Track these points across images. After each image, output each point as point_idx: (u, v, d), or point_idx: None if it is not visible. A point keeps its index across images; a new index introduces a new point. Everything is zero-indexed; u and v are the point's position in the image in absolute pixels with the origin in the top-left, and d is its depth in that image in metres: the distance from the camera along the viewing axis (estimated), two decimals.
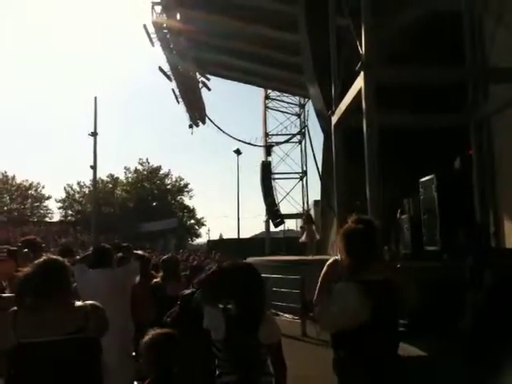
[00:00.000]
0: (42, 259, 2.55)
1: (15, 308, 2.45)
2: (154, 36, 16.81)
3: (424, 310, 7.32)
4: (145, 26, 16.72)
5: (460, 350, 5.29)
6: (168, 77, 19.07)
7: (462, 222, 6.43)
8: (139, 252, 4.98)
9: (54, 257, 2.69)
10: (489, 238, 8.64)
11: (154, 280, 5.28)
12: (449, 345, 5.88)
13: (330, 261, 3.12)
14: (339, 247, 3.09)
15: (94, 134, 29.78)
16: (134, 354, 4.53)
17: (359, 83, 7.22)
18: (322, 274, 3.08)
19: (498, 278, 5.13)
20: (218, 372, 2.87)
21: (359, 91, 7.22)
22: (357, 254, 2.90)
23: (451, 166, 8.66)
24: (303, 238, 15.01)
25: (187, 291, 4.51)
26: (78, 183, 50.69)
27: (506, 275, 5.22)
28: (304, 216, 22.28)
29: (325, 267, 3.12)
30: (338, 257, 3.08)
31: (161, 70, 18.96)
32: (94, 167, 30.50)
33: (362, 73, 7.07)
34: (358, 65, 7.15)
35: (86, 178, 48.13)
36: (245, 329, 2.81)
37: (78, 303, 2.56)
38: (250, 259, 13.65)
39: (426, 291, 6.87)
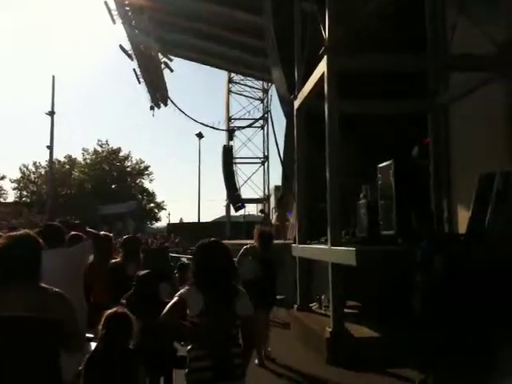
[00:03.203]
0: (10, 234, 2.52)
1: None
2: (115, 13, 16.35)
3: (377, 293, 7.52)
4: (106, 2, 16.24)
5: (409, 332, 5.45)
6: (129, 56, 18.61)
7: (416, 207, 6.55)
8: (93, 231, 4.85)
9: (26, 232, 2.63)
10: (442, 223, 8.89)
11: (114, 260, 5.20)
12: (399, 326, 6.05)
13: (245, 247, 6.83)
14: (255, 240, 6.73)
15: (51, 113, 28.94)
16: (87, 334, 4.45)
17: (322, 68, 7.22)
18: (240, 253, 6.72)
19: (447, 261, 5.27)
20: (190, 346, 2.95)
21: (322, 76, 7.23)
22: (262, 244, 6.56)
23: (410, 153, 8.83)
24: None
25: (142, 272, 4.48)
26: (34, 163, 49.32)
27: (455, 259, 5.37)
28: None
29: (242, 250, 6.75)
30: (248, 245, 6.86)
31: (122, 48, 18.48)
32: (50, 147, 29.67)
33: (324, 57, 7.08)
34: (321, 49, 7.15)
35: (42, 159, 46.88)
36: (222, 300, 2.91)
37: (44, 285, 2.54)
38: None
39: (380, 275, 7.04)
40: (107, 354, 3.06)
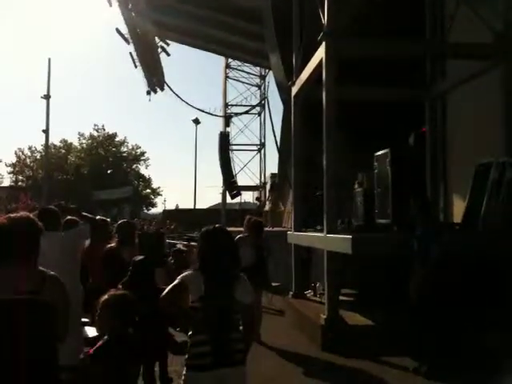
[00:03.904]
0: (9, 215, 2.47)
1: None
2: None
3: (373, 282, 7.55)
4: None
5: (406, 321, 5.48)
6: (126, 39, 18.41)
7: (413, 196, 6.56)
8: (89, 215, 4.84)
9: (26, 214, 2.58)
10: (438, 212, 8.91)
11: (109, 245, 5.19)
12: (395, 314, 6.09)
13: (240, 235, 6.85)
14: (246, 229, 7.25)
15: (47, 97, 28.66)
16: (83, 319, 4.46)
17: (320, 54, 7.16)
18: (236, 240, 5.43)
19: (444, 251, 5.29)
20: (190, 332, 2.93)
21: (320, 62, 7.17)
22: (254, 233, 7.05)
23: (406, 142, 8.83)
24: (267, 208, 15.10)
25: (139, 257, 4.48)
26: (30, 148, 49.05)
27: (452, 249, 5.38)
28: (267, 185, 22.31)
29: (236, 238, 6.19)
30: (242, 235, 7.04)
31: (118, 31, 18.29)
32: (46, 131, 29.44)
33: (323, 43, 7.01)
34: (320, 35, 7.08)
35: (38, 143, 46.67)
36: (223, 286, 2.90)
37: (41, 268, 2.50)
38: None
39: (376, 263, 7.06)
40: (119, 340, 3.01)
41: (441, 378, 5.02)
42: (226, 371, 2.83)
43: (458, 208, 8.04)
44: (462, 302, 5.30)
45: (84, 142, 50.58)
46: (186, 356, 2.92)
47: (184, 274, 3.00)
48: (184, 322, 3.03)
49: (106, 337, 3.08)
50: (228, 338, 2.86)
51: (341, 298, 7.09)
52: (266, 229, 13.48)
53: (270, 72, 21.76)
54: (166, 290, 2.93)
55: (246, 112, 31.60)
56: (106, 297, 3.15)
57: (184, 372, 2.93)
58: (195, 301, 2.88)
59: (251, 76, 32.85)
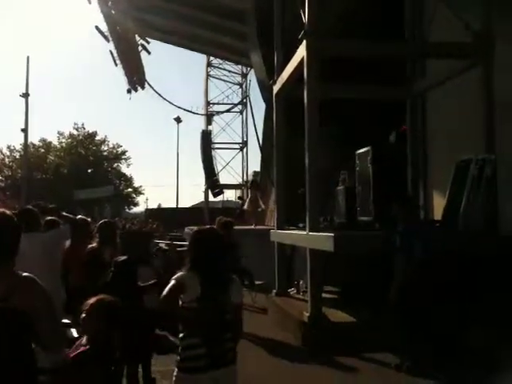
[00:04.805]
0: None
1: None
2: None
3: (356, 279, 7.61)
4: None
5: (388, 317, 5.53)
6: (105, 37, 18.17)
7: (394, 193, 6.63)
8: (69, 215, 4.77)
9: (2, 211, 2.44)
10: (418, 209, 9.01)
11: (91, 245, 5.15)
12: (377, 311, 6.14)
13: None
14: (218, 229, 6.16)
15: (26, 95, 28.24)
16: (64, 320, 4.41)
17: (301, 53, 7.18)
18: None
19: (426, 247, 5.34)
20: (182, 335, 2.92)
21: (301, 61, 7.19)
22: (224, 231, 6.14)
23: (387, 140, 8.92)
24: (246, 206, 15.00)
25: (121, 257, 4.44)
26: (8, 147, 48.25)
27: (435, 249, 5.43)
28: (249, 183, 22.23)
29: None
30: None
31: (98, 29, 18.02)
32: (25, 130, 29.01)
33: (304, 42, 7.03)
34: (301, 34, 7.10)
35: (17, 142, 45.96)
36: (219, 286, 2.91)
37: (16, 271, 2.37)
38: (189, 228, 13.60)
39: (359, 260, 7.11)
40: (103, 343, 2.95)
41: (423, 374, 5.08)
42: (220, 372, 2.84)
43: (438, 205, 8.14)
44: (444, 300, 5.36)
45: (64, 141, 49.94)
46: (178, 358, 2.90)
47: (179, 275, 2.95)
48: (175, 323, 3.01)
49: (84, 340, 3.02)
50: (222, 338, 2.87)
51: (324, 295, 7.12)
52: (251, 227, 13.52)
53: (252, 70, 21.74)
54: (165, 292, 2.88)
55: (228, 110, 31.57)
56: (92, 300, 3.08)
57: (175, 373, 2.90)
58: (191, 301, 2.84)
59: (233, 74, 32.82)
